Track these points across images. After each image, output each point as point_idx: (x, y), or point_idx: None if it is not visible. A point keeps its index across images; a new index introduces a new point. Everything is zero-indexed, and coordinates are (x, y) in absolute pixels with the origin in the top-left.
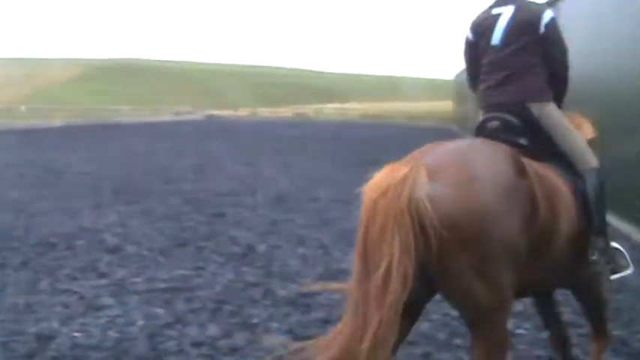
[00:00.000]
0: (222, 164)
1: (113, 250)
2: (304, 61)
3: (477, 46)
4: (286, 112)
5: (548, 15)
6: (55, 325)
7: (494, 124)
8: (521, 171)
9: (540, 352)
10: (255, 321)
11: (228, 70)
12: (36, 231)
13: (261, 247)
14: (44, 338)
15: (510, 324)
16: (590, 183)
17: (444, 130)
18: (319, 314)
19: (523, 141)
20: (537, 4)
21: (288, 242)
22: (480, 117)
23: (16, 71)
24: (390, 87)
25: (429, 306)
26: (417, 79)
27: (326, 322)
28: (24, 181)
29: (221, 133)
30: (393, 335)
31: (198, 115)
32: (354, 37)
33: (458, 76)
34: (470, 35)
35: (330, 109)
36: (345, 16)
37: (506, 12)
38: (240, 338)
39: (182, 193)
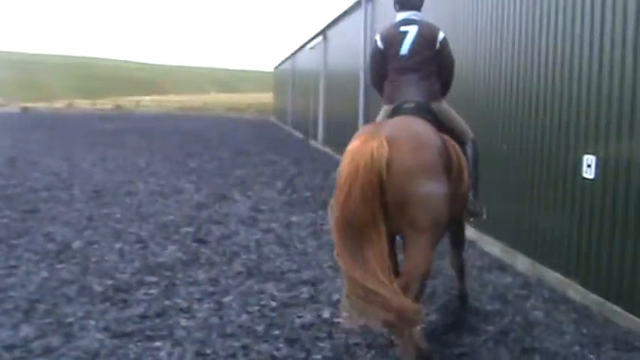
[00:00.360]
0: (36, 158)
1: None
2: (125, 53)
3: (385, 54)
4: (105, 104)
5: (441, 34)
6: None
7: (411, 105)
8: (443, 139)
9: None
10: (70, 320)
11: (45, 60)
12: None
13: (78, 244)
14: None
15: None
16: (472, 149)
17: (262, 121)
18: (137, 310)
19: (429, 118)
20: (434, 25)
21: (105, 237)
22: (391, 105)
23: None
24: (211, 79)
25: (244, 298)
26: (239, 71)
27: (144, 318)
28: None
29: (36, 126)
30: (388, 259)
31: (12, 107)
32: (176, 28)
33: (277, 68)
34: (380, 44)
35: (150, 101)
36: (166, 8)
37: (412, 30)
38: (55, 339)
39: None
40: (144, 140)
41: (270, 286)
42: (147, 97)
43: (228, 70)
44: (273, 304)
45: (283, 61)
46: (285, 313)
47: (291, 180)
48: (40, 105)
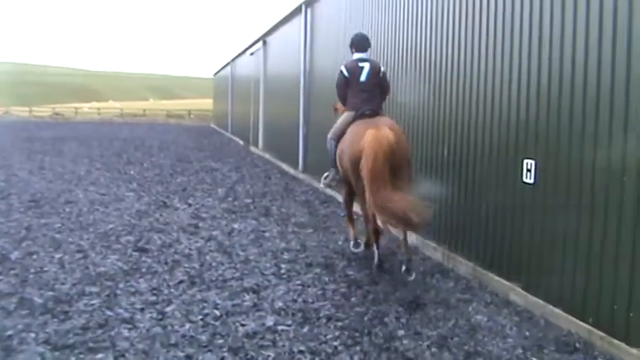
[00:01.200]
0: None
1: None
2: (62, 59)
3: (348, 80)
4: (43, 111)
5: (382, 68)
6: None
7: (369, 112)
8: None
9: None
10: (10, 333)
11: None
12: None
13: (16, 254)
14: None
15: None
16: None
17: (202, 128)
18: (78, 321)
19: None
20: (377, 61)
21: (45, 248)
22: (355, 111)
23: None
24: (150, 85)
25: (187, 307)
26: (179, 77)
27: (86, 329)
28: None
29: None
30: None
31: None
32: (114, 34)
33: (217, 74)
34: (346, 74)
35: (89, 109)
36: (104, 13)
37: (366, 65)
38: None
39: None
40: (83, 148)
41: (212, 295)
42: (86, 104)
43: (168, 76)
44: (217, 312)
45: (223, 67)
46: (228, 322)
47: (232, 187)
48: None
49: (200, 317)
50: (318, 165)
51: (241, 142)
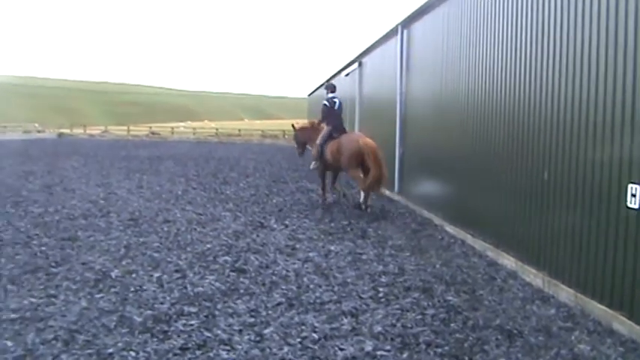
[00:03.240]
0: (73, 185)
1: None
2: (160, 79)
3: (329, 109)
4: (140, 130)
5: (339, 100)
6: None
7: (342, 128)
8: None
9: None
10: (110, 351)
11: (82, 87)
12: None
13: (116, 272)
14: None
15: None
16: None
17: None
18: (177, 341)
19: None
20: (338, 96)
21: (144, 266)
22: (332, 127)
23: None
24: (245, 105)
25: (285, 329)
26: (274, 97)
27: (185, 350)
28: None
29: (72, 153)
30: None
31: (49, 133)
32: (212, 55)
33: (311, 95)
34: (327, 104)
35: (184, 128)
36: (201, 35)
37: (337, 100)
38: None
39: (32, 216)
40: (179, 167)
41: (310, 317)
42: (181, 124)
43: (263, 96)
44: (315, 336)
45: (317, 88)
46: (327, 346)
47: (328, 208)
48: (76, 131)
49: (298, 340)
50: (415, 186)
51: None
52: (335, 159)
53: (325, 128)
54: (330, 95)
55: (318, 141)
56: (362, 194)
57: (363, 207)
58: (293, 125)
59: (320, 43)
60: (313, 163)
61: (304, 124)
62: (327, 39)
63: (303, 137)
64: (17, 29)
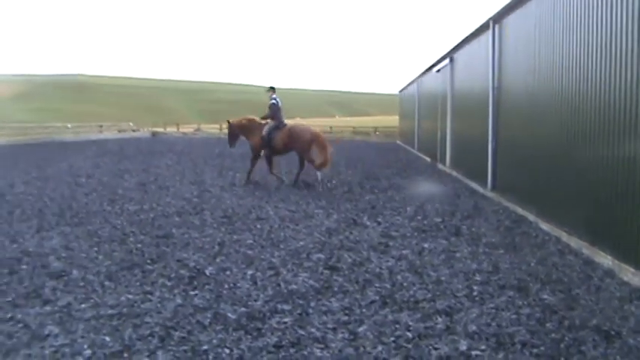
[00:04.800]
0: (167, 183)
1: (58, 275)
2: (251, 77)
3: (278, 107)
4: None
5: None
6: None
7: (285, 123)
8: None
9: None
10: (205, 347)
11: (173, 86)
12: None
13: (210, 270)
14: None
15: None
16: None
17: (388, 144)
18: (271, 339)
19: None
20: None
21: (237, 264)
22: (278, 122)
23: None
24: (336, 102)
25: (379, 328)
26: (365, 94)
27: (279, 348)
28: None
29: (166, 151)
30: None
31: (143, 132)
32: (301, 52)
33: (402, 91)
34: (277, 103)
35: None
36: (290, 32)
37: (279, 100)
38: None
39: (128, 213)
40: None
41: (404, 316)
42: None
43: (354, 93)
44: (409, 334)
45: (409, 84)
46: (421, 345)
47: (421, 205)
48: (170, 130)
49: (392, 339)
50: (508, 183)
51: (428, 159)
52: (286, 146)
53: (270, 122)
54: (274, 96)
55: (264, 133)
56: (318, 173)
57: (319, 182)
58: (228, 121)
59: (411, 39)
60: (263, 152)
61: (240, 119)
62: (418, 34)
63: (238, 131)
64: (114, 31)
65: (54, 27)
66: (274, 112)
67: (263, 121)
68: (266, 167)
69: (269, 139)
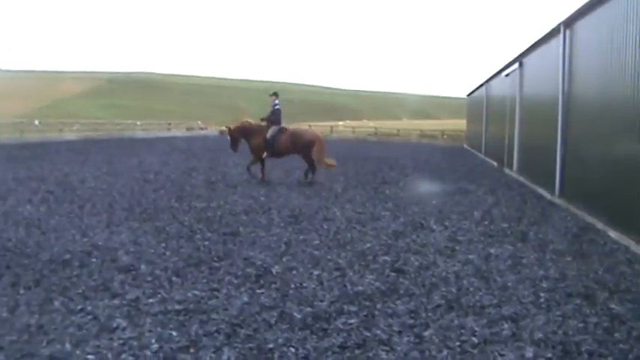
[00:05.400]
0: (234, 181)
1: (126, 269)
2: (317, 78)
3: (280, 112)
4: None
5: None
6: (68, 347)
7: (284, 128)
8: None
9: None
10: (271, 346)
11: (242, 85)
12: (48, 248)
13: (276, 268)
14: None
15: None
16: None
17: (455, 148)
18: (337, 340)
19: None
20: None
21: (304, 263)
22: (278, 127)
23: (30, 84)
24: (404, 105)
25: (444, 332)
26: (432, 97)
27: (344, 349)
28: (36, 197)
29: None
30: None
31: (210, 130)
32: (370, 54)
33: (470, 95)
34: (280, 108)
35: (344, 127)
36: (359, 33)
37: (279, 105)
38: None
39: (195, 210)
40: (339, 166)
41: (470, 321)
42: (340, 123)
43: (422, 96)
44: (475, 340)
45: (477, 88)
46: (486, 351)
47: (487, 210)
48: None
49: (458, 344)
50: (577, 189)
51: (495, 164)
52: (288, 148)
53: (273, 127)
54: (277, 101)
55: (269, 136)
56: (310, 171)
57: (309, 179)
58: (228, 127)
59: (480, 43)
60: (264, 155)
61: (238, 124)
62: (488, 38)
63: (239, 135)
64: (187, 30)
65: (128, 26)
66: (277, 116)
67: (263, 123)
68: (259, 166)
69: (273, 141)
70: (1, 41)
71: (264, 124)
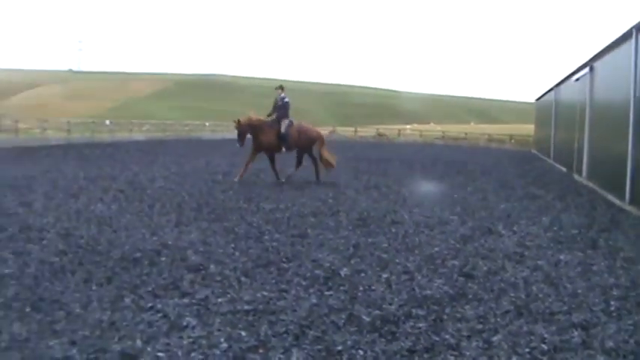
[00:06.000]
0: (302, 183)
1: (196, 269)
2: (385, 81)
3: (289, 104)
4: (366, 131)
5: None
6: (139, 344)
7: (293, 121)
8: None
9: None
10: (339, 348)
11: (309, 88)
12: (119, 246)
13: (345, 271)
14: (128, 357)
15: None
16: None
17: (523, 153)
18: (405, 343)
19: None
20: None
21: (372, 266)
22: (290, 120)
23: (102, 85)
24: (471, 108)
25: (513, 338)
26: (498, 101)
27: (412, 352)
28: (108, 196)
29: None
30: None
31: None
32: (434, 57)
33: (539, 99)
34: (290, 102)
35: (410, 130)
36: (427, 37)
37: (288, 99)
38: None
39: (263, 212)
40: (406, 169)
41: (539, 328)
42: (407, 126)
43: (489, 100)
44: (544, 347)
45: (546, 92)
46: (555, 358)
47: (556, 216)
48: None
49: (527, 350)
50: None
51: (564, 169)
52: (296, 142)
53: (285, 120)
54: (284, 95)
55: (284, 130)
56: (294, 170)
57: (285, 179)
58: (238, 120)
59: (549, 47)
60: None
61: (249, 118)
62: (557, 42)
63: (247, 130)
64: (256, 33)
65: (197, 28)
66: (287, 110)
67: (268, 119)
68: (248, 163)
69: (286, 135)
70: (75, 43)
71: (270, 118)
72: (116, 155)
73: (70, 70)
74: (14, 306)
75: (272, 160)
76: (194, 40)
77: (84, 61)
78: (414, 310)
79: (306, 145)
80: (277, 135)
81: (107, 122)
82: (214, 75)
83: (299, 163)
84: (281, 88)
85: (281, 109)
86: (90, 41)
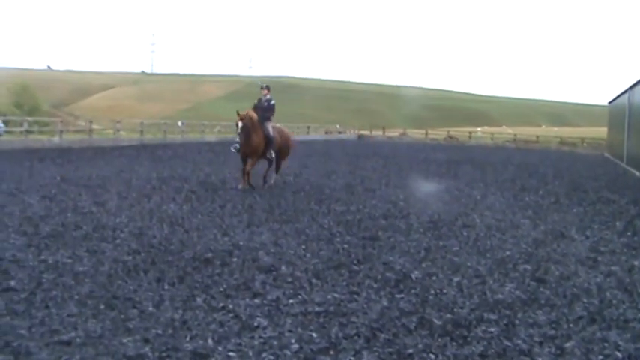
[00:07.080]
0: (373, 186)
1: (267, 270)
2: (456, 84)
3: (274, 106)
4: (438, 134)
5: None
6: (210, 343)
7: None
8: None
9: None
10: (410, 351)
11: (380, 90)
12: (191, 246)
13: (416, 274)
14: (199, 356)
15: None
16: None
17: (596, 157)
18: (477, 348)
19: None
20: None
21: (443, 270)
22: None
23: (174, 87)
24: (543, 111)
25: (586, 345)
26: (570, 103)
27: (484, 357)
28: (180, 196)
29: (371, 154)
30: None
31: (349, 134)
32: (507, 60)
33: (612, 102)
34: (274, 103)
35: (482, 133)
36: (500, 39)
37: (272, 99)
38: None
39: (334, 214)
40: (477, 172)
41: (613, 334)
42: (478, 129)
43: (561, 102)
44: (618, 354)
45: (619, 95)
46: None
47: (630, 221)
48: (375, 133)
49: (601, 357)
50: None
51: (637, 174)
52: (279, 146)
53: (268, 123)
54: (270, 96)
55: (274, 133)
56: (274, 173)
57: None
58: (241, 113)
59: (623, 49)
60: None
61: (249, 114)
62: (631, 44)
63: (250, 126)
64: (324, 35)
65: (265, 30)
66: (272, 112)
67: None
68: (242, 167)
69: (273, 138)
70: (148, 45)
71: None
72: (188, 156)
73: (143, 72)
74: (89, 303)
75: (247, 163)
76: (264, 43)
77: (156, 63)
78: (485, 315)
79: (283, 150)
80: (264, 137)
81: (179, 123)
82: (282, 77)
83: (278, 167)
84: (267, 88)
85: (266, 110)
86: (162, 43)
